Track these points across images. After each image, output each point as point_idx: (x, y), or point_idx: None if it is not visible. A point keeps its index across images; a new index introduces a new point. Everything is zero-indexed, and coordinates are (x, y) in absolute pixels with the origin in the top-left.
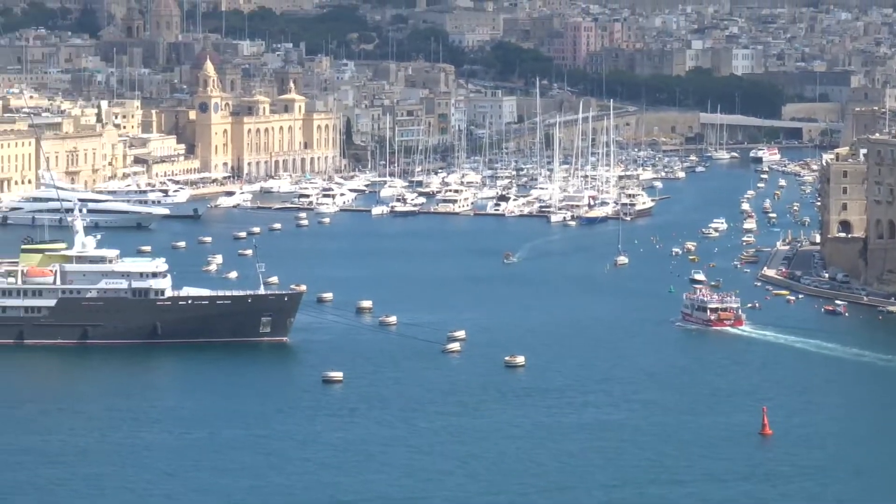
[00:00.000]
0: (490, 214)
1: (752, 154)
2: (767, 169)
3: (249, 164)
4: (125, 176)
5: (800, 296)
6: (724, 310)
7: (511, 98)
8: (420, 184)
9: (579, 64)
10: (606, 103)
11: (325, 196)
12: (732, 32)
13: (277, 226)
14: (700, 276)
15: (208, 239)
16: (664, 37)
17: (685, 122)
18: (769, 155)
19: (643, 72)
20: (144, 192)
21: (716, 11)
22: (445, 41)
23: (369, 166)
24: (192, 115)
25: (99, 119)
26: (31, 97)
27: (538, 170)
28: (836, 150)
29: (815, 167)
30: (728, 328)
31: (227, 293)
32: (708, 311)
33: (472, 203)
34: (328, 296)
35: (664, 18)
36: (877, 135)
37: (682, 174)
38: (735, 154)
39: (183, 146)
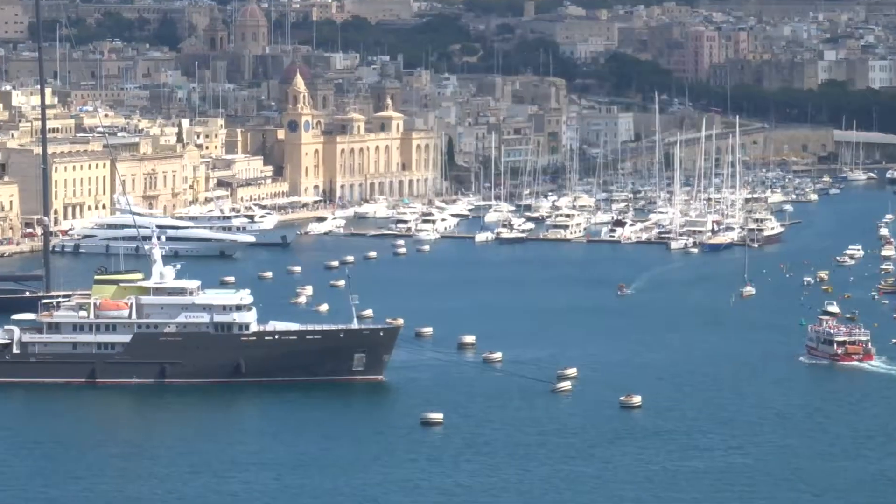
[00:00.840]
0: (605, 241)
1: (889, 174)
2: None
3: (343, 187)
4: (207, 200)
5: None
6: (853, 343)
7: (627, 115)
8: (528, 208)
9: (701, 77)
10: (731, 119)
11: (424, 222)
12: (868, 42)
13: (373, 254)
14: (834, 308)
15: (297, 269)
16: (794, 47)
17: (817, 140)
18: None
19: (771, 85)
20: (228, 217)
21: (850, 19)
22: (556, 52)
23: (473, 189)
24: (281, 134)
25: (179, 139)
26: (105, 115)
27: (657, 192)
28: None
29: None
30: (857, 363)
31: (318, 328)
32: (835, 345)
33: (584, 229)
34: (427, 330)
35: (794, 27)
36: None
37: (814, 196)
38: (872, 174)
39: (270, 168)
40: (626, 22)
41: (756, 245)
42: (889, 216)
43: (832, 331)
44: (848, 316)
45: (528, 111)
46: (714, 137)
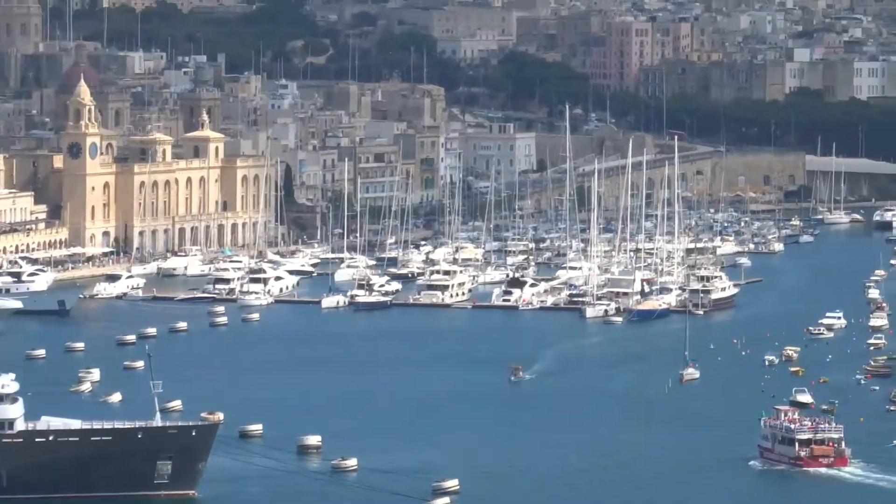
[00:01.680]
0: (497, 307)
1: (876, 217)
2: None
3: (142, 234)
4: None
5: None
6: (821, 442)
7: (528, 135)
8: (393, 262)
9: (628, 84)
10: (669, 142)
11: (253, 281)
12: (855, 37)
13: (182, 325)
14: (805, 397)
15: (80, 345)
16: (754, 44)
17: (784, 170)
18: None
19: (723, 95)
20: None
21: (829, 7)
22: (432, 51)
23: (319, 237)
24: (59, 161)
25: None
26: None
27: (567, 241)
28: None
29: None
30: (826, 469)
31: (107, 425)
32: (796, 445)
33: (470, 291)
34: (256, 428)
35: (754, 17)
36: None
37: (779, 246)
38: (858, 216)
39: (44, 208)
40: (527, 10)
41: (701, 312)
42: (880, 272)
43: (793, 426)
44: (825, 408)
45: (395, 130)
46: (645, 166)
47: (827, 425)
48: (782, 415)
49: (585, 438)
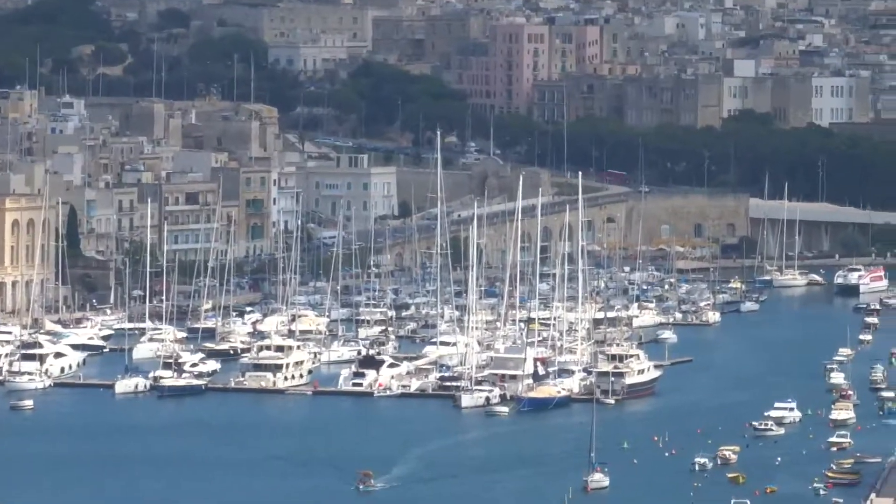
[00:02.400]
0: (345, 393)
1: (839, 279)
2: (875, 307)
3: None
4: None
5: None
6: None
7: (387, 170)
8: (211, 335)
9: (519, 105)
10: (572, 180)
11: (25, 358)
12: (814, 45)
13: None
14: None
15: None
16: (683, 54)
17: (722, 217)
18: (871, 280)
19: (642, 120)
20: None
21: (780, 6)
22: (262, 61)
23: (112, 300)
24: None
25: None
26: None
27: (438, 308)
28: None
29: None
30: None
31: None
32: None
33: (310, 372)
34: None
35: (682, 20)
36: None
37: (714, 316)
38: (816, 277)
39: None
40: (386, 9)
41: (612, 401)
42: (845, 351)
43: None
44: None
45: (212, 163)
46: (540, 211)
47: None
48: None
49: None
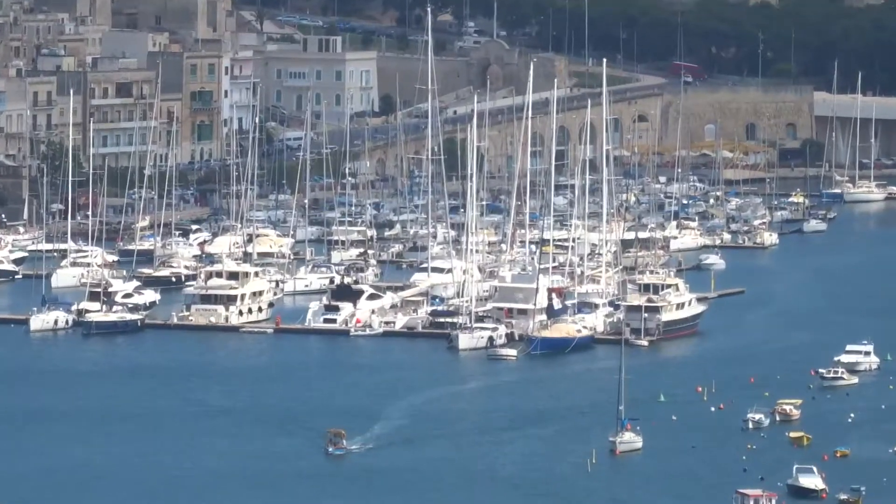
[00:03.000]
0: (315, 331)
1: None
2: None
3: None
4: None
5: None
6: None
7: (366, 56)
8: (148, 258)
9: None
10: (595, 68)
11: None
12: None
13: None
14: (812, 481)
15: None
16: None
17: (780, 115)
18: None
19: None
20: None
21: None
22: None
23: (26, 216)
24: None
25: None
26: None
27: (429, 226)
28: None
29: None
30: None
31: None
32: None
33: (271, 305)
34: None
35: None
36: None
37: (771, 237)
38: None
39: None
40: None
41: (645, 342)
42: None
43: None
44: (843, 497)
45: (149, 45)
46: (556, 105)
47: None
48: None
49: None
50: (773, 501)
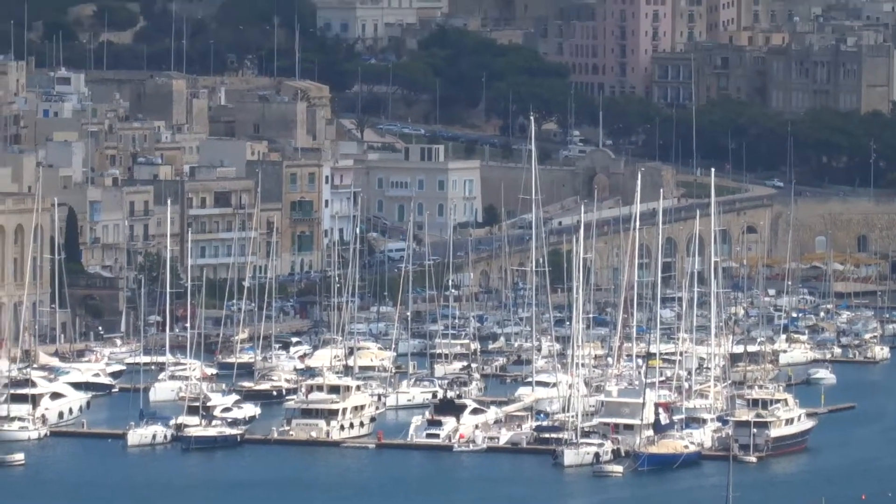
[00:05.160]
0: (417, 447)
1: None
2: None
3: None
4: None
5: None
6: None
7: (469, 165)
8: (248, 372)
9: (635, 83)
10: (703, 177)
11: (15, 400)
12: None
13: None
14: None
15: None
16: (842, 19)
17: (893, 226)
18: None
19: (792, 104)
20: None
21: None
22: (309, 26)
23: (123, 328)
24: None
25: None
26: None
27: (534, 340)
28: None
29: None
30: None
31: None
32: None
33: (373, 420)
34: None
35: None
36: None
37: (882, 352)
38: None
39: None
40: None
41: (754, 459)
42: None
43: None
44: None
45: (248, 154)
46: (662, 216)
47: None
48: None
49: None
50: None
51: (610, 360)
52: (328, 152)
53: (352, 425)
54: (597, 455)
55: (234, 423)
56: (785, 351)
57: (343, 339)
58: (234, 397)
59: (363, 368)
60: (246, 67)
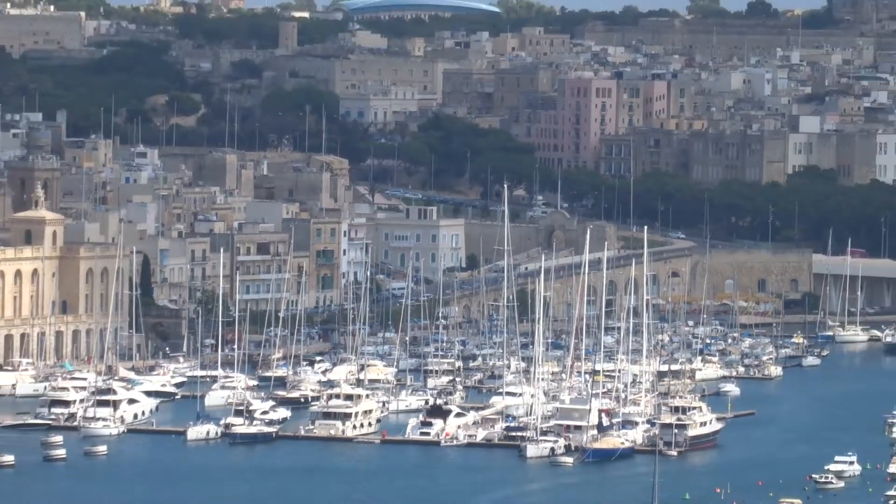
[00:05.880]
0: (413, 442)
1: (888, 337)
2: None
3: None
4: None
5: None
6: None
7: (456, 223)
8: (282, 383)
9: (586, 159)
10: (638, 234)
11: (100, 404)
12: (878, 102)
13: (8, 459)
14: None
15: None
16: (749, 109)
17: (785, 272)
18: None
19: (708, 175)
20: None
21: (845, 63)
22: (333, 112)
23: (185, 348)
24: None
25: None
26: None
27: (504, 359)
28: None
29: None
30: None
31: None
32: None
33: (378, 421)
34: None
35: (749, 75)
36: None
37: (776, 370)
38: (877, 333)
39: None
40: (456, 61)
41: (675, 453)
42: None
43: None
44: None
45: (284, 213)
46: (606, 264)
47: None
48: None
49: None
50: None
51: (564, 375)
52: (346, 212)
53: (362, 425)
54: (552, 449)
55: (270, 423)
56: (700, 369)
57: (356, 358)
58: (271, 403)
59: (371, 381)
60: (283, 145)
